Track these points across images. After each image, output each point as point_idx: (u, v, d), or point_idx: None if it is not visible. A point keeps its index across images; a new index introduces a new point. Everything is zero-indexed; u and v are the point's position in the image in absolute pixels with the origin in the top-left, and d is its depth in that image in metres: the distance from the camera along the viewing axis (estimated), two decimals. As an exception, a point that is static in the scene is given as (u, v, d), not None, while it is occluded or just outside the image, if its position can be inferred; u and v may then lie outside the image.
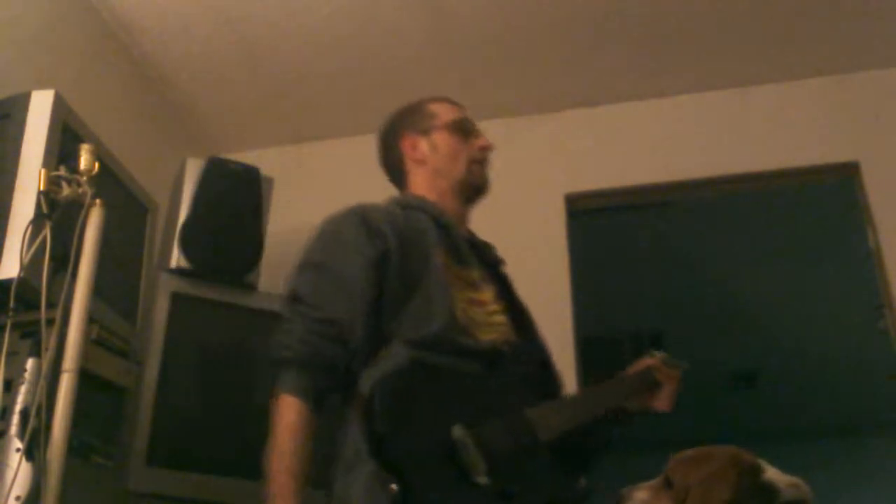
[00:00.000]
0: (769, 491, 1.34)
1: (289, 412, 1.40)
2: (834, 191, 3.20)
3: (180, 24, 2.78)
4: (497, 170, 3.09)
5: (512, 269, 3.13)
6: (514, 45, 2.90)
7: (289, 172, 2.94)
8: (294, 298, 1.49)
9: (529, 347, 1.62)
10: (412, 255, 1.54)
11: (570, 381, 2.72)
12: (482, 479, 1.28)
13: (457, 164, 1.73)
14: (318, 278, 1.50)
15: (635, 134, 3.09)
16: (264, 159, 2.76)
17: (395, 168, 1.80)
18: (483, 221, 3.01)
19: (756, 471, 1.37)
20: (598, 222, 3.51)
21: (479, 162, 1.75)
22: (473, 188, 1.75)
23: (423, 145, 1.74)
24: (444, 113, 1.78)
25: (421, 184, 1.74)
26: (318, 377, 1.43)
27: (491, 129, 3.15)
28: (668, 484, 1.43)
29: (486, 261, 1.70)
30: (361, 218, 1.56)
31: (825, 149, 2.91)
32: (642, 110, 3.12)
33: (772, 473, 1.38)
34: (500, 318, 1.57)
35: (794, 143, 2.94)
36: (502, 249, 3.18)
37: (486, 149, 1.76)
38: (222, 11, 2.73)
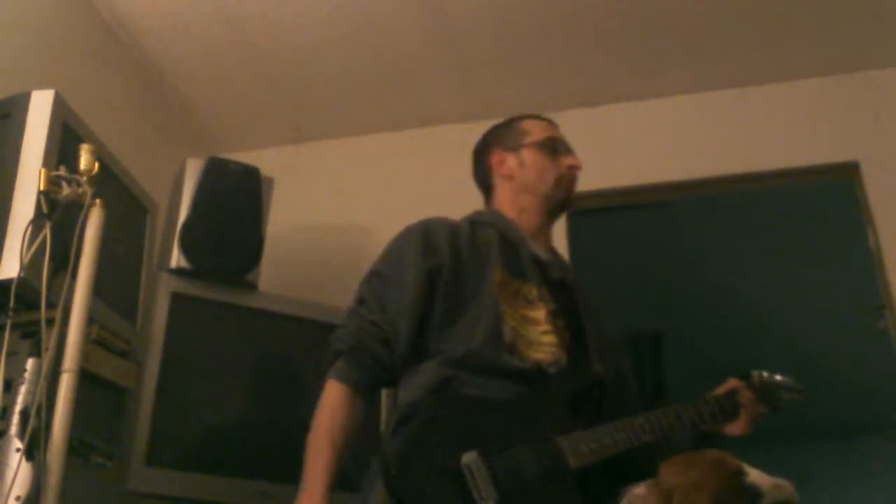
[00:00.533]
0: (752, 494, 1.35)
1: (332, 394, 1.51)
2: (834, 191, 3.20)
3: (180, 24, 2.78)
4: (497, 170, 3.12)
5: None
6: (514, 45, 2.90)
7: (289, 172, 2.94)
8: (357, 301, 1.60)
9: (583, 370, 1.59)
10: (468, 272, 1.59)
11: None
12: None
13: (543, 180, 1.76)
14: (375, 285, 1.60)
15: (635, 134, 3.09)
16: (264, 159, 2.76)
17: (482, 182, 1.85)
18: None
19: (738, 474, 1.39)
20: (598, 222, 3.51)
21: (566, 179, 1.78)
22: (558, 203, 1.79)
23: (511, 161, 1.79)
24: (535, 131, 1.81)
25: (505, 199, 1.78)
26: (363, 369, 1.53)
27: (491, 130, 3.19)
28: (660, 485, 1.44)
29: (552, 278, 1.69)
30: (423, 232, 1.63)
31: (825, 149, 2.91)
32: (642, 110, 3.12)
33: (755, 476, 1.39)
34: (551, 338, 1.56)
35: (794, 143, 2.94)
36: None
37: (574, 167, 1.79)
38: (222, 11, 2.73)
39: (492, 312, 1.53)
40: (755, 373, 1.68)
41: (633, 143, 3.07)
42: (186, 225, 2.29)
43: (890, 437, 5.86)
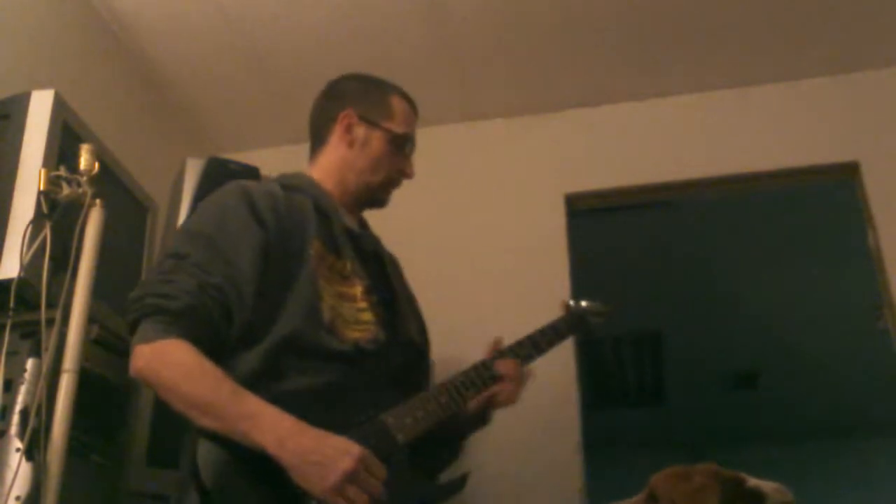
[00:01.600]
0: (756, 496, 1.37)
1: (185, 353, 1.30)
2: (834, 191, 3.20)
3: (180, 24, 2.78)
4: (497, 170, 3.12)
5: (512, 269, 3.13)
6: (514, 46, 2.90)
7: (289, 172, 2.94)
8: (180, 256, 1.39)
9: (401, 343, 1.56)
10: (289, 244, 1.47)
11: (570, 381, 2.73)
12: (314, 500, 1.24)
13: (375, 173, 1.66)
14: (209, 250, 1.40)
15: (635, 134, 3.09)
16: (264, 159, 2.76)
17: (318, 127, 1.72)
18: (483, 221, 3.02)
19: (739, 480, 1.40)
20: (598, 222, 3.51)
21: (393, 183, 1.70)
22: (372, 201, 1.70)
23: (359, 133, 1.66)
24: (399, 118, 1.68)
25: (332, 162, 1.67)
26: (202, 334, 1.33)
27: (491, 129, 3.19)
28: (653, 499, 1.45)
29: (365, 251, 1.63)
30: (247, 199, 1.48)
31: (825, 149, 2.91)
32: (642, 110, 3.12)
33: (755, 481, 1.40)
34: (368, 315, 1.50)
35: (794, 143, 2.94)
36: (502, 249, 3.19)
37: (406, 177, 1.70)
38: (222, 11, 2.73)
39: (311, 289, 1.43)
40: (564, 301, 1.74)
41: (633, 143, 3.07)
42: (186, 225, 2.28)
43: (890, 437, 5.86)
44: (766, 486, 1.39)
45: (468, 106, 3.13)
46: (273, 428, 1.24)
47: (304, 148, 3.29)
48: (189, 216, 1.52)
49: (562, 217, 3.02)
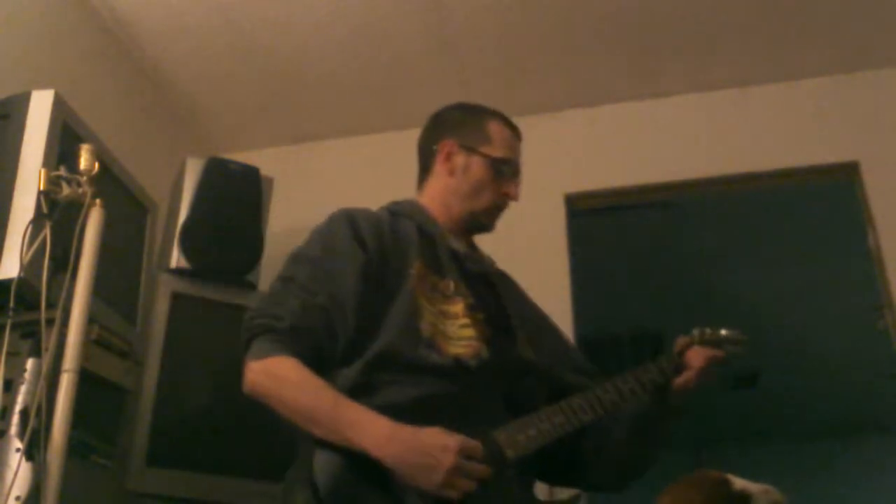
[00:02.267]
0: (743, 498, 1.36)
1: (291, 369, 1.38)
2: (834, 191, 3.20)
3: (180, 24, 2.78)
4: (497, 170, 3.12)
5: (512, 270, 3.12)
6: (514, 46, 2.90)
7: (289, 172, 2.94)
8: (289, 279, 1.48)
9: (510, 361, 1.57)
10: (390, 266, 1.53)
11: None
12: None
13: (478, 198, 1.68)
14: (314, 271, 1.49)
15: (635, 134, 3.09)
16: (264, 159, 2.76)
17: (423, 157, 1.77)
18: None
19: (725, 482, 1.39)
20: (598, 222, 3.51)
21: (498, 207, 1.72)
22: (479, 226, 1.73)
23: (459, 161, 1.69)
24: (497, 143, 1.71)
25: (437, 191, 1.71)
26: (307, 351, 1.40)
27: (491, 129, 3.19)
28: None
29: (471, 271, 1.66)
30: (351, 223, 1.56)
31: (825, 149, 2.91)
32: (642, 110, 3.12)
33: (741, 483, 1.39)
34: (470, 332, 1.52)
35: (794, 143, 2.94)
36: (502, 249, 3.18)
37: (511, 199, 1.72)
38: (222, 11, 2.73)
39: (409, 307, 1.47)
40: (697, 330, 1.64)
41: (633, 143, 3.07)
42: (186, 225, 2.29)
43: (890, 437, 5.86)
44: (754, 487, 1.38)
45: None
46: (372, 433, 1.32)
47: (305, 148, 3.28)
48: (301, 244, 1.59)
49: (562, 217, 3.02)
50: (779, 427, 5.86)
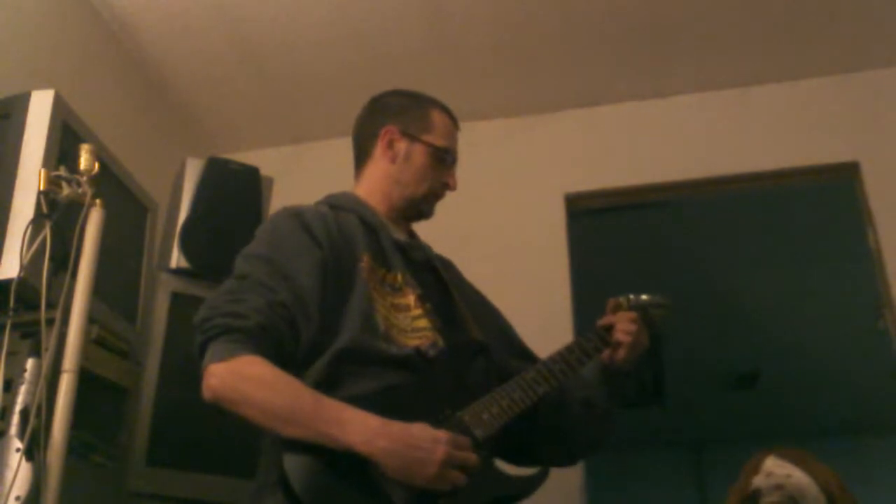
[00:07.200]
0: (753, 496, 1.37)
1: (262, 368, 1.33)
2: (834, 191, 3.20)
3: (180, 24, 2.78)
4: (497, 170, 3.12)
5: (512, 270, 3.13)
6: (514, 45, 2.90)
7: (289, 172, 2.94)
8: (244, 278, 1.45)
9: (464, 345, 1.59)
10: (342, 262, 1.52)
11: (570, 381, 2.73)
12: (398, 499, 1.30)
13: (419, 185, 1.69)
14: (271, 269, 1.45)
15: (635, 134, 3.09)
16: (264, 159, 2.76)
17: (362, 142, 1.76)
18: (483, 221, 3.02)
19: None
20: (598, 222, 3.51)
21: (436, 195, 1.73)
22: (418, 213, 1.73)
23: (401, 147, 1.69)
24: (439, 131, 1.71)
25: (376, 178, 1.71)
26: (273, 350, 1.37)
27: (491, 129, 3.19)
28: None
29: (416, 261, 1.67)
30: (300, 221, 1.54)
31: (825, 149, 2.91)
32: (642, 110, 3.12)
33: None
34: (423, 322, 1.53)
35: (794, 143, 2.94)
36: (502, 249, 3.19)
37: (449, 188, 1.73)
38: (222, 11, 2.73)
39: (365, 302, 1.47)
40: (622, 298, 1.72)
41: (633, 143, 3.07)
42: (186, 225, 2.28)
43: (890, 437, 5.86)
44: (763, 483, 1.38)
45: (468, 106, 3.13)
46: (360, 429, 1.30)
47: (305, 148, 3.29)
48: (249, 245, 1.56)
49: (562, 217, 3.02)
50: (779, 427, 5.86)
